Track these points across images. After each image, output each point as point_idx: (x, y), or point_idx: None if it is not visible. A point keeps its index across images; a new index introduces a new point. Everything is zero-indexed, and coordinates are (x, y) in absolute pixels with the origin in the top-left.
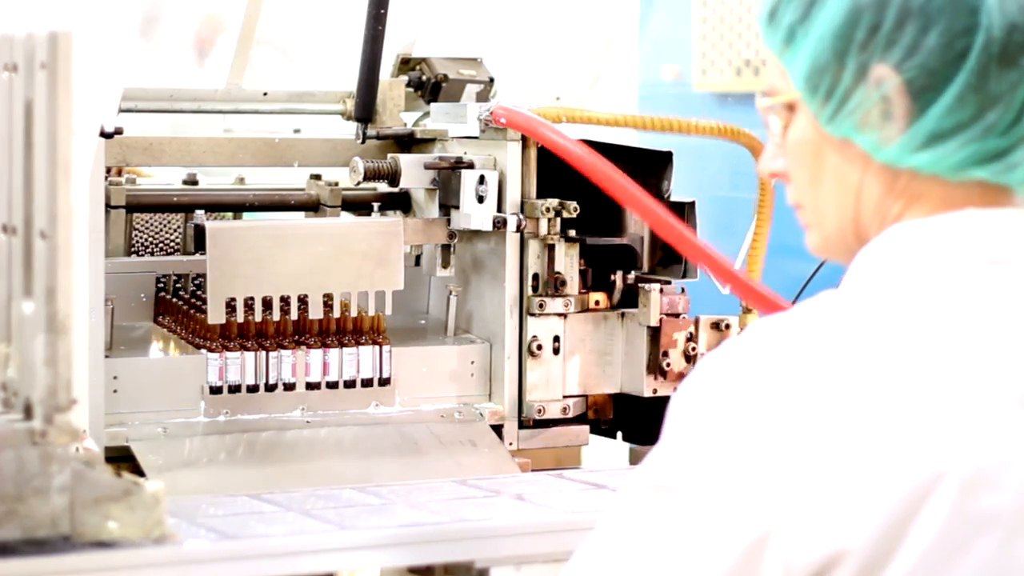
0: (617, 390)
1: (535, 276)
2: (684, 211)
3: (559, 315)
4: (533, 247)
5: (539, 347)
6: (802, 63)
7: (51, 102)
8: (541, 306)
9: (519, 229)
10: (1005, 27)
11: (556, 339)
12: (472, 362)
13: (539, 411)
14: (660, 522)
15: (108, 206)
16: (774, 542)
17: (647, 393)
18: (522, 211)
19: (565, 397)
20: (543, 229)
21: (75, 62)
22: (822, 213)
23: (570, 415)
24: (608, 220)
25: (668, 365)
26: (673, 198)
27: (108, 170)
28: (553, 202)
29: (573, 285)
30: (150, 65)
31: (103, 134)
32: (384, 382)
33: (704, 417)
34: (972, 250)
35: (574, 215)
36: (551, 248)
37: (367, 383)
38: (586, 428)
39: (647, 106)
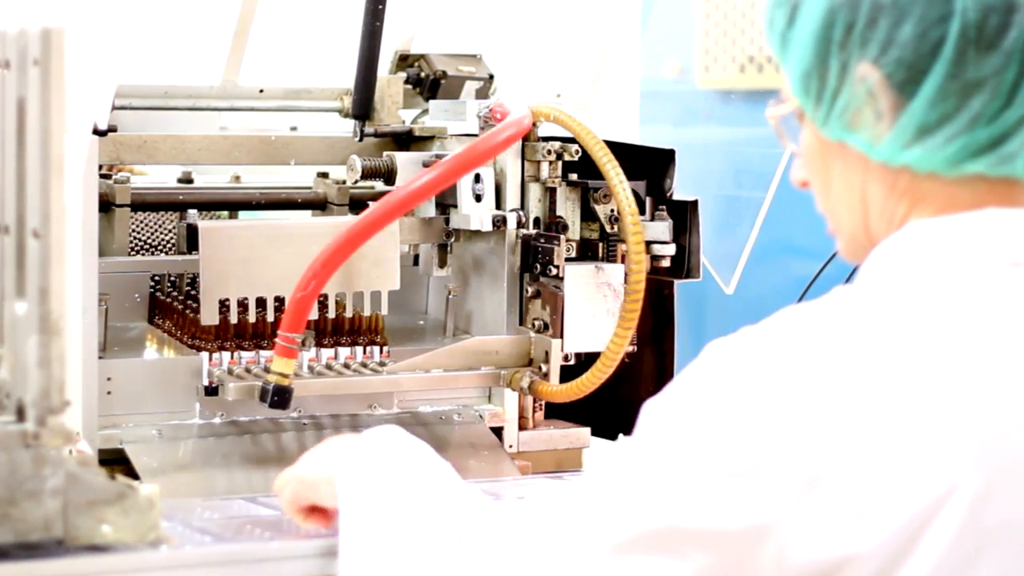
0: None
1: (536, 220)
2: (687, 210)
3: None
4: (534, 190)
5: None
6: (793, 68)
7: (44, 99)
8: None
9: (519, 226)
10: (981, 10)
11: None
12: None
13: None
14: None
15: (112, 204)
16: (774, 538)
17: None
18: (523, 155)
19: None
20: (544, 172)
21: (68, 59)
22: (838, 218)
23: (571, 363)
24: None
25: None
26: (676, 197)
27: (107, 168)
28: (555, 144)
29: (575, 229)
30: (144, 62)
31: (96, 132)
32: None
33: (713, 415)
34: (991, 251)
35: (576, 158)
36: (552, 192)
37: None
38: (587, 430)
39: (649, 103)
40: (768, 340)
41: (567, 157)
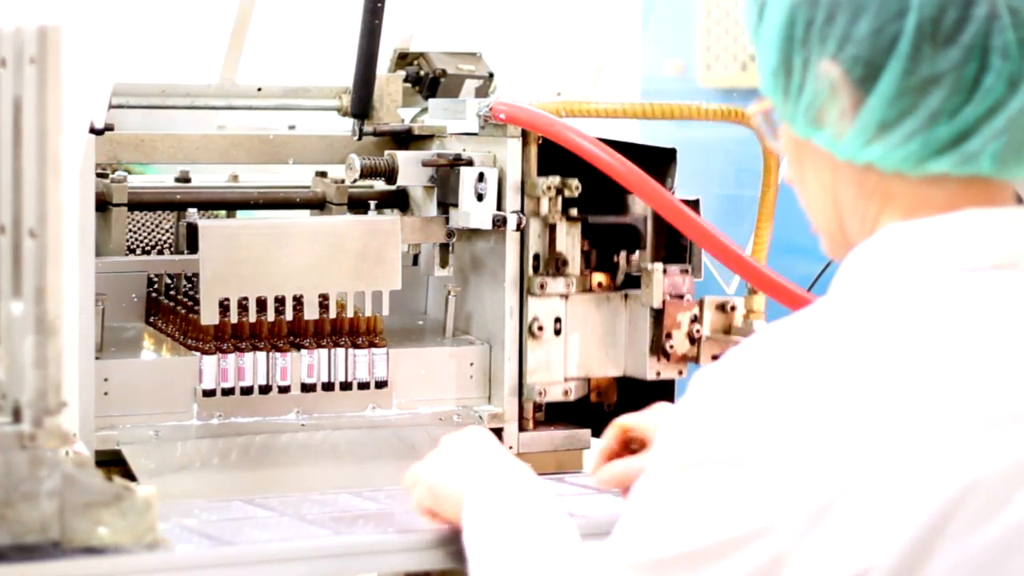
0: (620, 373)
1: (536, 256)
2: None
3: (560, 296)
4: (534, 226)
5: (540, 328)
6: (763, 65)
7: (40, 98)
8: (542, 286)
9: (519, 228)
10: (938, 5)
11: (557, 320)
12: (471, 364)
13: (540, 393)
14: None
15: (109, 204)
16: (790, 565)
17: (650, 376)
18: (522, 190)
19: (566, 380)
20: (544, 208)
21: (65, 57)
22: (815, 216)
23: (571, 398)
24: (611, 200)
25: (671, 347)
26: (677, 196)
27: (111, 171)
28: (555, 180)
29: (575, 265)
30: (141, 60)
31: (93, 130)
32: (381, 384)
33: (711, 439)
34: (972, 254)
35: (576, 194)
36: (552, 228)
37: (364, 385)
38: (587, 432)
39: (650, 101)
40: (757, 361)
41: (567, 193)
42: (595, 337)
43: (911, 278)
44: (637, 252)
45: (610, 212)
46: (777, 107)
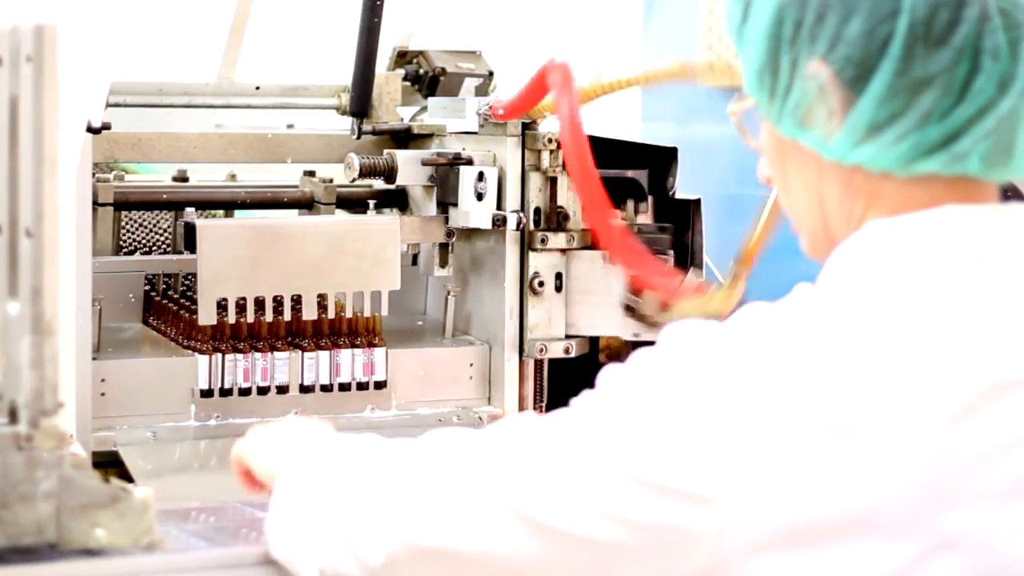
0: (616, 332)
1: (536, 210)
2: (690, 209)
3: (561, 251)
4: (535, 180)
5: (540, 284)
6: (747, 64)
7: (37, 96)
8: (543, 241)
9: (519, 227)
10: (930, 6)
11: (558, 276)
12: (471, 364)
13: (540, 350)
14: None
15: (95, 203)
16: (718, 515)
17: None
18: (523, 144)
19: (567, 337)
20: (545, 162)
21: (61, 56)
22: (797, 215)
23: (572, 354)
24: (614, 153)
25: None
26: (678, 195)
27: (109, 170)
28: (555, 133)
29: (576, 220)
30: (139, 58)
31: (90, 129)
32: (380, 385)
33: (677, 410)
34: (953, 249)
35: None
36: (553, 181)
37: (363, 386)
38: None
39: (650, 100)
40: (730, 331)
41: None
42: (596, 296)
43: (892, 273)
44: (631, 204)
45: (612, 165)
46: (761, 107)
